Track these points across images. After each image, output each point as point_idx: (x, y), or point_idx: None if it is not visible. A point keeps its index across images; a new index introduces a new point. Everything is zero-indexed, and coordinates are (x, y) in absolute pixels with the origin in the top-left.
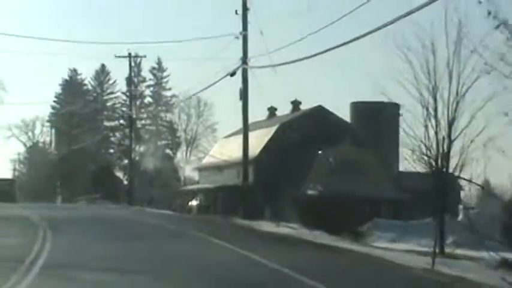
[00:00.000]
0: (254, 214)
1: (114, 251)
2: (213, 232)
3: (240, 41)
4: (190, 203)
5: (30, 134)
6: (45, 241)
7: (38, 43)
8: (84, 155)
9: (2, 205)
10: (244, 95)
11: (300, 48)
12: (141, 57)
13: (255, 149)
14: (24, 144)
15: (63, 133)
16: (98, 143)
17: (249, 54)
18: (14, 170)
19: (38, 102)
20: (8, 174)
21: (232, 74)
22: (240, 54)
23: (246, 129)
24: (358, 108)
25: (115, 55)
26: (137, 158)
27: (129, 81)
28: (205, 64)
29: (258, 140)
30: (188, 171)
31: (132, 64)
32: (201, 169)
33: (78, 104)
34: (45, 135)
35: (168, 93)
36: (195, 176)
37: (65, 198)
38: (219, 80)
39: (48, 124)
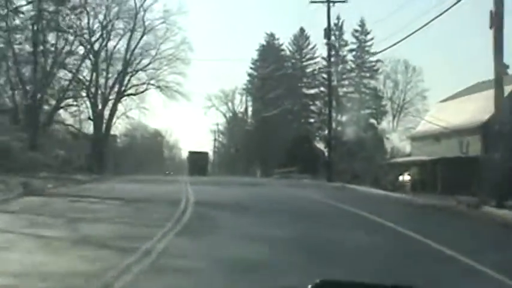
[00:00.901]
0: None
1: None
2: None
3: None
4: (402, 178)
5: (230, 104)
6: None
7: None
8: (282, 125)
9: (179, 179)
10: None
11: None
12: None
13: (482, 114)
14: (224, 115)
15: (260, 102)
16: (296, 112)
17: None
18: (215, 140)
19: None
20: (208, 146)
21: None
22: None
23: (499, 77)
24: None
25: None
26: (339, 128)
27: (328, 33)
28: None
29: (488, 103)
30: (396, 142)
31: (332, 23)
32: (414, 138)
33: (275, 71)
34: (243, 104)
35: (372, 58)
36: (404, 147)
37: (263, 171)
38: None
39: (244, 92)
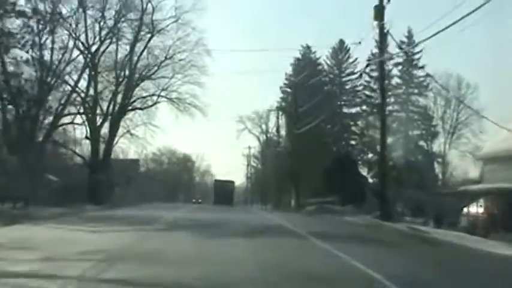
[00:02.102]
0: None
1: None
2: None
3: None
4: (468, 210)
5: (263, 126)
6: None
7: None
8: (319, 147)
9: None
10: None
11: None
12: None
13: None
14: (258, 138)
15: (295, 121)
16: (336, 133)
17: None
18: (248, 165)
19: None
20: (241, 171)
21: None
22: None
23: None
24: None
25: None
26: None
27: (380, 10)
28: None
29: None
30: (456, 165)
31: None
32: (488, 159)
33: (312, 88)
34: (277, 125)
35: (420, 73)
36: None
37: (297, 200)
38: None
39: (276, 110)
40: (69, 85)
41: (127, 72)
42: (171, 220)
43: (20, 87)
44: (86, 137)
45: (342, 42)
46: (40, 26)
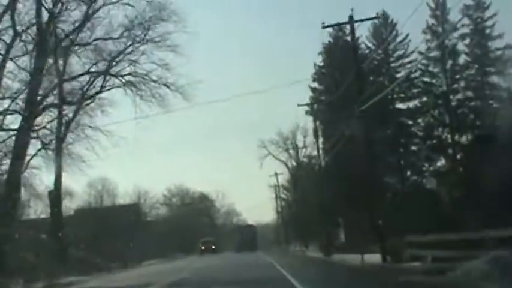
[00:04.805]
0: None
1: None
2: None
3: None
4: None
5: (290, 149)
6: None
7: None
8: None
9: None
10: None
11: None
12: None
13: None
14: (285, 164)
15: (332, 130)
16: (389, 138)
17: None
18: (276, 198)
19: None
20: (270, 206)
21: None
22: None
23: None
24: None
25: None
26: (458, 155)
27: None
28: None
29: None
30: None
31: None
32: None
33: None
34: (311, 145)
35: (497, 44)
36: None
37: (348, 235)
38: None
39: (312, 108)
40: None
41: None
42: None
43: None
44: None
45: (385, 15)
46: None
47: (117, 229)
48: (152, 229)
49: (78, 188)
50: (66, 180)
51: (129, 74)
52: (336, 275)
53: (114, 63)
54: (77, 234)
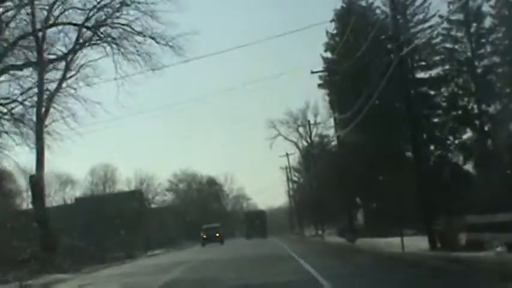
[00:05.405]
0: None
1: None
2: None
3: None
4: None
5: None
6: None
7: None
8: (384, 139)
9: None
10: None
11: None
12: None
13: None
14: (296, 145)
15: (348, 104)
16: (408, 110)
17: None
18: (288, 180)
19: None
20: (282, 189)
21: None
22: None
23: None
24: None
25: None
26: (485, 127)
27: None
28: None
29: None
30: None
31: None
32: None
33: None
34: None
35: None
36: None
37: (367, 216)
38: None
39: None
40: None
41: None
42: None
43: None
44: None
45: None
46: None
47: (119, 217)
48: (158, 216)
49: (80, 175)
50: (69, 169)
51: (106, 24)
52: (387, 271)
53: (91, 13)
54: (76, 223)
